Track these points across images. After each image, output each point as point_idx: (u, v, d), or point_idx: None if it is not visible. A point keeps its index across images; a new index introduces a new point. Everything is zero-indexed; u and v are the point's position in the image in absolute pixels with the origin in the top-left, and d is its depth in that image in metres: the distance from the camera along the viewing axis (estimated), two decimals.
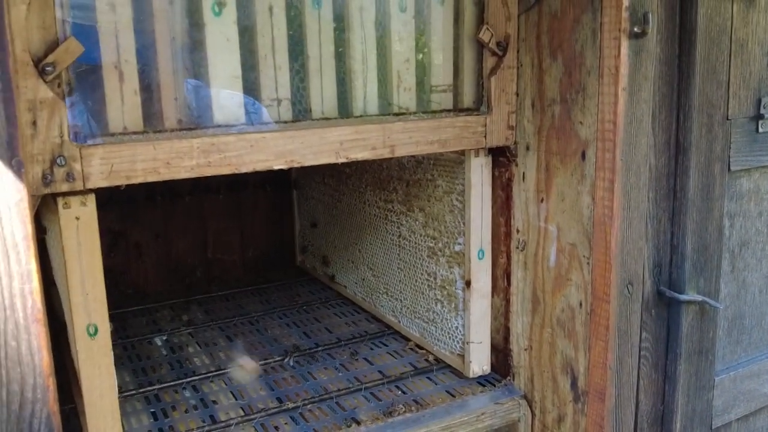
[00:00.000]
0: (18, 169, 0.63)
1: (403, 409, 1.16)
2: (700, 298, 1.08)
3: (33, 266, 0.65)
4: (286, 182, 1.94)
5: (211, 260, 1.91)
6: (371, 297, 1.58)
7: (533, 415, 1.20)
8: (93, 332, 0.89)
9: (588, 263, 1.04)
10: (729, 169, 1.10)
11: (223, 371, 1.33)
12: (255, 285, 1.85)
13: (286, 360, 1.37)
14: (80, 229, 0.86)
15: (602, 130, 0.99)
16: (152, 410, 1.18)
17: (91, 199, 0.87)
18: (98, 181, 0.85)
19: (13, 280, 0.65)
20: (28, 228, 0.65)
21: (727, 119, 1.08)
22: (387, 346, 1.43)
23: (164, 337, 1.50)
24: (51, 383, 0.68)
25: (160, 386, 1.27)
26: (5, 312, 0.65)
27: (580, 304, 1.07)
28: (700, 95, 1.05)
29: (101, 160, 0.85)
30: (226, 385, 1.28)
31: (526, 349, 1.20)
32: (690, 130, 1.04)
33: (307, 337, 1.48)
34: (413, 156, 1.33)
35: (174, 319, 1.61)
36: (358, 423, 1.12)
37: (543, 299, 1.15)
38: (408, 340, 1.45)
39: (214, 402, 1.21)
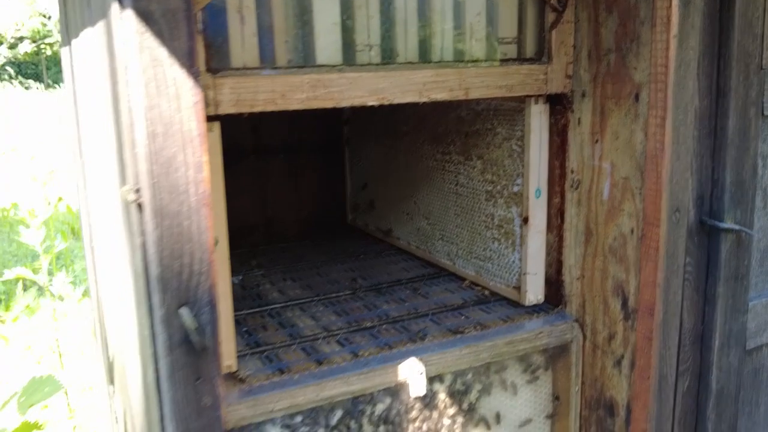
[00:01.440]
0: (196, 76, 0.78)
1: (470, 329, 1.30)
2: (737, 227, 1.22)
3: (204, 159, 0.80)
4: (338, 146, 2.09)
5: (271, 218, 2.05)
6: (426, 245, 1.72)
7: (584, 337, 1.34)
8: (215, 243, 1.04)
9: (640, 193, 1.18)
10: (762, 114, 1.24)
11: (298, 301, 1.47)
12: (311, 240, 1.99)
13: (355, 291, 1.51)
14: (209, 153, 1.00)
15: (655, 73, 1.13)
16: (244, 329, 1.33)
17: (217, 126, 1.01)
18: (228, 108, 0.99)
19: (188, 169, 0.79)
20: (202, 126, 0.79)
21: (761, 68, 1.21)
22: (444, 284, 1.57)
23: (240, 277, 1.65)
24: (212, 259, 0.82)
25: (245, 312, 1.42)
26: (181, 196, 0.80)
27: (632, 231, 1.21)
28: (738, 46, 1.18)
29: (230, 90, 0.99)
30: (303, 312, 1.42)
31: (578, 278, 1.34)
32: (729, 77, 1.18)
33: (366, 280, 1.63)
34: (472, 108, 1.47)
35: (244, 264, 1.76)
36: (431, 338, 1.27)
37: (596, 231, 1.29)
38: (463, 279, 1.59)
39: (295, 325, 1.35)
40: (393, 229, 1.87)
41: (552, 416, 1.37)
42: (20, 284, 3.57)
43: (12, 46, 15.81)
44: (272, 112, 1.72)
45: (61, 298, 2.62)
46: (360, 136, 2.00)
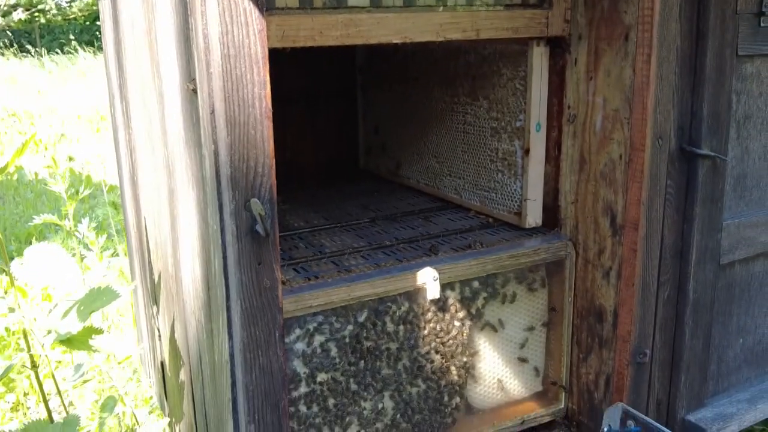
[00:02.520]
0: (261, 8, 0.94)
1: (476, 245, 1.48)
2: (712, 153, 1.39)
3: (267, 78, 0.96)
4: (352, 93, 2.24)
5: (289, 162, 2.21)
6: (434, 181, 1.90)
7: (577, 253, 1.52)
8: None
9: (628, 123, 1.35)
10: (737, 54, 1.40)
11: (322, 227, 1.65)
12: (327, 181, 2.16)
13: (373, 220, 1.69)
14: None
15: (642, 16, 1.29)
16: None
17: None
18: (275, 42, 1.15)
19: (254, 86, 0.96)
20: (265, 50, 0.95)
21: (736, 13, 1.37)
22: (452, 214, 1.75)
23: None
24: (272, 164, 0.99)
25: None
26: (248, 109, 0.96)
27: (620, 157, 1.38)
28: None
29: (276, 26, 1.15)
30: (328, 236, 1.60)
31: (572, 203, 1.52)
32: (707, 21, 1.34)
33: (381, 211, 1.80)
34: (480, 53, 1.63)
35: None
36: (445, 251, 1.45)
37: (589, 159, 1.46)
38: (469, 210, 1.76)
39: (322, 245, 1.53)
40: (403, 169, 2.04)
41: (548, 324, 1.56)
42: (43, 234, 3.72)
43: (5, 14, 15.71)
44: (289, 58, 1.88)
45: (87, 246, 2.78)
46: (373, 83, 2.15)
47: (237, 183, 0.98)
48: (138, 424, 1.82)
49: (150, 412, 2.06)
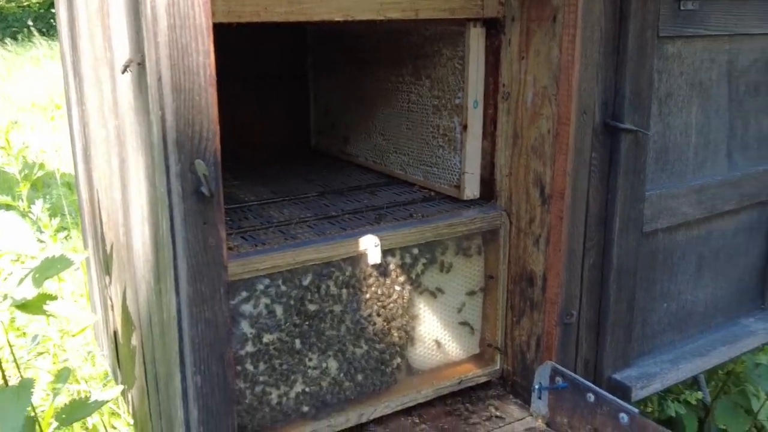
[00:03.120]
0: None
1: (417, 216, 1.57)
2: (634, 128, 1.50)
3: (211, 47, 1.03)
4: (303, 74, 2.31)
5: (242, 142, 2.27)
6: (381, 158, 1.98)
7: (511, 223, 1.62)
8: None
9: (555, 99, 1.45)
10: (658, 35, 1.51)
11: (271, 201, 1.72)
12: (278, 160, 2.22)
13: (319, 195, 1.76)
14: None
15: None
16: (226, 218, 1.56)
17: None
18: (221, 17, 1.21)
19: (199, 55, 1.02)
20: (209, 21, 1.02)
21: None
22: (397, 189, 1.83)
23: None
24: (217, 129, 1.06)
25: (225, 207, 1.65)
26: (193, 76, 1.03)
27: (549, 131, 1.48)
28: None
29: (223, 2, 1.21)
30: (276, 208, 1.66)
31: (507, 176, 1.62)
32: (630, 3, 1.44)
33: (329, 187, 1.87)
34: (422, 33, 1.71)
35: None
36: (388, 221, 1.53)
37: (521, 134, 1.56)
38: (413, 185, 1.85)
39: (270, 216, 1.59)
40: (352, 147, 2.12)
41: (484, 289, 1.66)
42: None
43: None
44: (241, 41, 1.95)
45: (41, 228, 2.79)
46: (323, 65, 2.22)
47: (182, 146, 1.04)
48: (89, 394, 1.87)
49: (105, 385, 2.11)
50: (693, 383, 2.20)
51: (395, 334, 1.54)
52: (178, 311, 1.14)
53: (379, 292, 1.49)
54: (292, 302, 1.39)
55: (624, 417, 1.39)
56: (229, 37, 1.32)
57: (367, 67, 1.98)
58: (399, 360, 1.56)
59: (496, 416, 1.60)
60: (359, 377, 1.51)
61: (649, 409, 2.24)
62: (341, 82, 2.13)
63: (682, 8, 1.53)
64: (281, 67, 2.30)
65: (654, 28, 1.50)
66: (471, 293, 1.64)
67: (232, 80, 2.21)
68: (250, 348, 1.37)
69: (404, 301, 1.53)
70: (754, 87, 1.76)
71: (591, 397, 1.46)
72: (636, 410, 1.39)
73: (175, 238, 1.10)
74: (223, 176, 1.97)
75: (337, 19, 1.34)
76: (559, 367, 1.54)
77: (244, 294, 1.34)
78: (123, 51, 1.22)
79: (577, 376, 1.52)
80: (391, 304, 1.51)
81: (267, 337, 1.38)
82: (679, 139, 1.64)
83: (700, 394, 2.11)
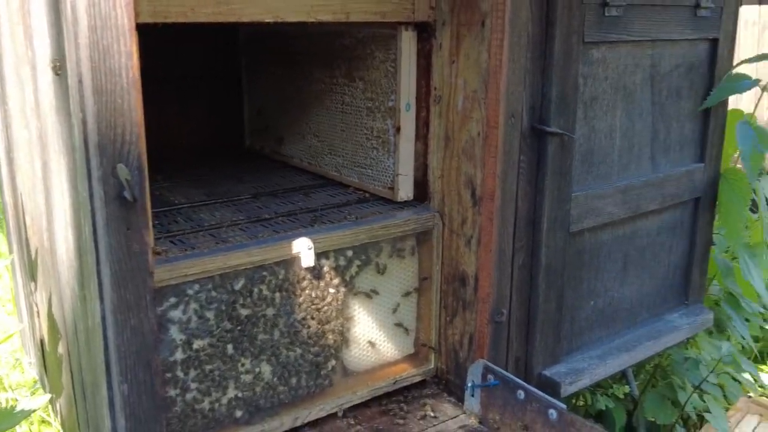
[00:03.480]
0: None
1: (351, 218, 1.57)
2: (560, 131, 1.54)
3: (134, 49, 1.01)
4: (236, 74, 2.28)
5: (174, 142, 2.23)
6: (316, 160, 1.97)
7: (444, 224, 1.64)
8: None
9: (485, 103, 1.48)
10: (583, 41, 1.55)
11: (203, 203, 1.69)
12: (212, 161, 2.19)
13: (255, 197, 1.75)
14: None
15: (496, 3, 1.41)
16: (155, 222, 1.53)
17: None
18: (146, 17, 1.19)
19: (121, 57, 1.00)
20: (132, 22, 1.00)
21: (583, 3, 1.52)
22: (332, 190, 1.83)
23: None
24: (141, 132, 1.04)
25: (154, 210, 1.61)
26: (116, 78, 1.01)
27: (479, 134, 1.50)
28: None
29: (148, 2, 1.19)
30: (208, 211, 1.64)
31: (439, 177, 1.64)
32: (555, 9, 1.48)
33: (263, 189, 1.85)
34: (355, 36, 1.72)
35: (150, 178, 1.94)
36: (322, 222, 1.53)
37: (453, 136, 1.58)
38: (348, 186, 1.85)
39: (202, 219, 1.57)
40: (287, 148, 2.11)
41: (418, 290, 1.67)
42: None
43: None
44: (171, 42, 1.91)
45: None
46: (256, 65, 2.20)
47: (104, 150, 1.02)
48: (16, 403, 1.81)
49: (33, 393, 2.04)
50: (621, 377, 2.27)
51: (330, 337, 1.54)
52: (103, 318, 1.11)
53: (313, 295, 1.49)
54: (223, 307, 1.37)
55: (553, 413, 1.43)
56: (160, 38, 1.30)
57: (300, 68, 1.97)
58: (334, 362, 1.56)
59: (431, 415, 1.62)
60: (293, 381, 1.50)
61: (581, 403, 2.30)
62: (275, 83, 2.12)
63: (606, 14, 1.57)
64: (215, 66, 2.27)
65: (579, 33, 1.54)
66: (406, 294, 1.66)
67: (163, 81, 2.17)
68: (180, 354, 1.35)
69: (339, 303, 1.53)
70: (676, 91, 1.83)
71: (521, 394, 1.49)
72: (564, 406, 1.43)
73: (98, 243, 1.07)
74: (153, 178, 1.94)
75: (266, 20, 1.33)
76: (491, 365, 1.57)
77: (173, 300, 1.31)
78: (44, 51, 1.18)
79: (507, 374, 1.55)
80: (326, 307, 1.51)
81: (197, 343, 1.36)
82: (604, 142, 1.69)
83: (627, 388, 2.18)
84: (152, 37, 1.34)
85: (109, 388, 1.15)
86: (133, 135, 1.04)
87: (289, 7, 1.35)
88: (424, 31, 1.59)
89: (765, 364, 2.70)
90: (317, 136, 1.95)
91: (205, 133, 2.30)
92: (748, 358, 2.46)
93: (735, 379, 2.19)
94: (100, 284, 1.09)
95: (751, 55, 1.96)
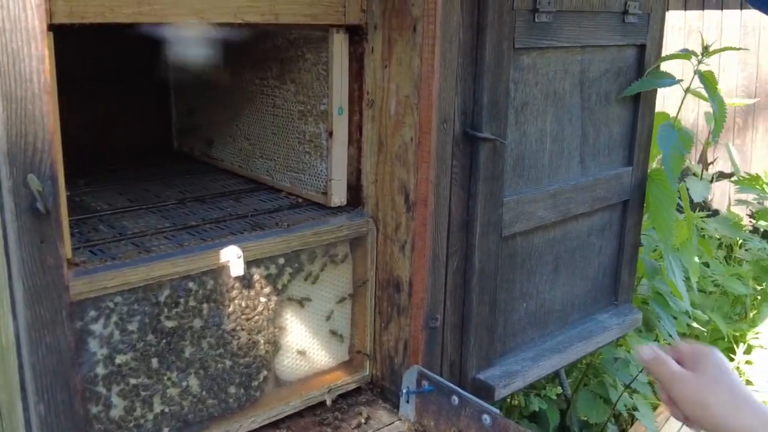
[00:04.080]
0: None
1: (283, 224, 1.53)
2: (492, 137, 1.54)
3: (46, 52, 0.95)
4: (165, 74, 2.21)
5: (99, 143, 2.14)
6: (247, 163, 1.93)
7: (378, 229, 1.62)
8: None
9: (417, 108, 1.47)
10: (514, 47, 1.56)
11: (126, 210, 1.63)
12: (138, 164, 2.11)
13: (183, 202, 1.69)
14: None
15: (427, 9, 1.40)
16: (75, 230, 1.46)
17: (51, 36, 1.14)
18: (62, 18, 1.12)
19: (32, 61, 0.94)
20: (44, 24, 0.94)
21: (513, 9, 1.53)
22: (263, 195, 1.79)
23: (67, 193, 1.75)
24: (55, 140, 0.98)
25: (75, 218, 1.54)
26: (26, 83, 0.94)
27: (412, 139, 1.49)
28: None
29: (63, 2, 1.13)
30: (131, 218, 1.58)
31: (373, 182, 1.62)
32: (486, 15, 1.48)
33: (192, 194, 1.80)
34: (286, 37, 1.68)
35: (71, 184, 1.85)
36: (251, 230, 1.49)
37: (386, 141, 1.56)
38: (280, 191, 1.81)
39: (124, 227, 1.51)
40: (217, 151, 2.05)
41: (353, 297, 1.65)
42: None
43: None
44: (103, 39, 1.84)
45: None
46: (185, 64, 2.13)
47: (14, 159, 0.96)
48: None
49: None
50: (554, 377, 2.31)
51: (261, 347, 1.50)
52: (17, 337, 1.05)
53: (243, 304, 1.45)
54: (147, 320, 1.32)
55: (487, 418, 1.43)
56: (81, 31, 1.23)
57: (231, 69, 1.92)
58: (266, 373, 1.52)
59: (366, 423, 1.60)
60: (223, 393, 1.46)
61: (516, 402, 2.33)
62: (205, 83, 2.05)
63: (536, 20, 1.59)
64: (142, 64, 2.18)
65: (510, 39, 1.54)
66: (340, 301, 1.63)
67: (89, 80, 2.08)
68: (101, 370, 1.29)
69: (270, 312, 1.50)
70: (605, 96, 1.86)
71: (455, 400, 1.49)
72: (497, 411, 1.43)
73: (10, 258, 1.01)
74: (75, 183, 1.86)
75: (191, 20, 1.28)
76: (425, 370, 1.56)
77: (93, 314, 1.25)
78: None
79: (442, 379, 1.54)
80: (257, 317, 1.48)
81: (120, 358, 1.30)
82: (535, 147, 1.71)
83: (560, 389, 2.22)
84: (86, 34, 1.27)
85: (25, 408, 1.09)
86: (45, 143, 0.98)
87: (214, 9, 1.30)
88: (356, 35, 1.56)
89: None
90: (248, 139, 1.90)
91: (134, 133, 2.21)
92: None
93: None
94: (12, 301, 1.03)
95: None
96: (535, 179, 1.73)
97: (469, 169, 1.55)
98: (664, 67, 1.98)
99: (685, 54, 1.95)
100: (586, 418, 2.32)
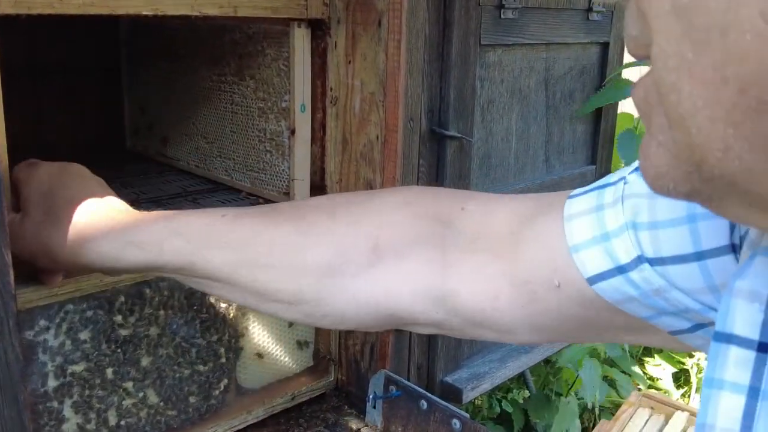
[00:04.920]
0: None
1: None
2: (459, 135, 1.51)
3: None
4: (117, 69, 2.12)
5: (48, 142, 2.04)
6: (204, 163, 1.86)
7: None
8: None
9: (383, 105, 1.42)
10: (480, 43, 1.53)
11: None
12: (89, 163, 2.02)
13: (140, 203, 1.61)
14: None
15: (393, 2, 1.36)
16: None
17: None
18: (6, 8, 1.05)
19: None
20: None
21: (479, 5, 1.50)
22: (223, 196, 1.73)
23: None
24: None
25: None
26: None
27: (377, 138, 1.45)
28: None
29: None
30: None
31: (337, 182, 1.57)
32: (453, 10, 1.45)
33: (147, 194, 1.73)
34: (245, 31, 1.62)
35: None
36: None
37: (350, 140, 1.51)
38: (240, 191, 1.75)
39: None
40: (172, 150, 1.98)
41: None
42: None
43: None
44: (49, 31, 1.75)
45: None
46: (139, 59, 2.05)
47: None
48: None
49: None
50: (520, 377, 2.30)
51: (221, 354, 1.44)
52: None
53: (203, 311, 1.39)
54: (101, 329, 1.25)
55: (456, 423, 1.40)
56: (29, 23, 1.16)
57: (186, 64, 1.84)
58: (226, 381, 1.46)
59: (332, 430, 1.55)
60: (182, 404, 1.39)
61: (478, 402, 2.31)
62: (159, 79, 1.98)
63: (502, 17, 1.56)
64: (93, 59, 2.09)
65: (476, 35, 1.52)
66: None
67: (35, 72, 1.98)
68: (53, 383, 1.21)
69: (231, 318, 1.44)
70: (569, 94, 1.85)
71: (424, 404, 1.46)
72: (467, 415, 1.40)
73: None
74: None
75: (145, 13, 1.22)
76: (393, 375, 1.52)
77: (43, 323, 1.18)
78: None
79: (410, 384, 1.51)
80: (217, 323, 1.41)
81: (73, 369, 1.23)
82: (501, 145, 1.68)
83: (527, 393, 2.21)
84: (41, 26, 1.19)
85: None
86: None
87: (170, 1, 1.24)
88: (319, 29, 1.51)
89: (652, 357, 2.82)
90: (205, 138, 1.83)
91: (87, 131, 2.12)
92: (637, 352, 2.56)
93: (625, 373, 2.26)
94: None
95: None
96: (501, 178, 1.71)
97: (435, 168, 1.52)
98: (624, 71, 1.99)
99: (645, 63, 1.95)
100: (537, 421, 2.31)
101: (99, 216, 0.98)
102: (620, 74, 1.96)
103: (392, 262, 0.82)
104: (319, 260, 0.85)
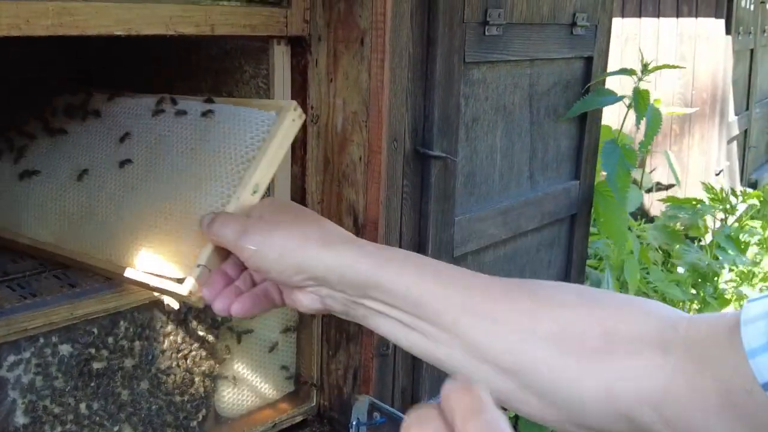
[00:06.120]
0: None
1: None
2: (443, 154, 1.48)
3: None
4: (89, 83, 2.05)
5: None
6: None
7: None
8: None
9: (366, 125, 1.38)
10: (464, 61, 1.50)
11: None
12: None
13: None
14: None
15: (375, 21, 1.32)
16: None
17: None
18: None
19: None
20: None
21: (463, 22, 1.46)
22: None
23: None
24: None
25: None
26: None
27: (360, 158, 1.41)
28: (444, 2, 1.42)
29: None
30: None
31: (319, 203, 1.53)
32: (437, 28, 1.41)
33: None
34: (222, 47, 1.57)
35: None
36: None
37: (332, 159, 1.47)
38: None
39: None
40: None
41: (298, 325, 1.56)
42: None
43: None
44: (19, 49, 1.67)
45: None
46: (109, 75, 1.99)
47: None
48: None
49: None
50: None
51: (199, 384, 1.39)
52: None
53: (179, 340, 1.33)
54: (73, 362, 1.19)
55: None
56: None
57: (160, 79, 1.78)
58: (204, 411, 1.41)
59: None
60: None
61: None
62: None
63: (486, 33, 1.53)
64: (62, 74, 2.02)
65: (460, 53, 1.48)
66: (285, 330, 1.53)
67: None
68: (22, 420, 1.15)
69: (209, 346, 1.39)
70: (553, 109, 1.82)
71: None
72: None
73: None
74: None
75: (117, 33, 1.16)
76: (377, 402, 1.48)
77: (12, 359, 1.12)
78: None
79: (395, 411, 1.46)
80: (194, 352, 1.36)
81: (44, 405, 1.17)
82: (485, 163, 1.65)
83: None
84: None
85: None
86: None
87: (142, 19, 1.18)
88: (299, 46, 1.47)
89: None
90: None
91: None
92: None
93: None
94: None
95: (615, 68, 2.00)
96: (486, 196, 1.68)
97: (420, 188, 1.48)
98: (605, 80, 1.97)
99: (629, 71, 1.94)
100: None
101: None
102: (603, 82, 1.94)
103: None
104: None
